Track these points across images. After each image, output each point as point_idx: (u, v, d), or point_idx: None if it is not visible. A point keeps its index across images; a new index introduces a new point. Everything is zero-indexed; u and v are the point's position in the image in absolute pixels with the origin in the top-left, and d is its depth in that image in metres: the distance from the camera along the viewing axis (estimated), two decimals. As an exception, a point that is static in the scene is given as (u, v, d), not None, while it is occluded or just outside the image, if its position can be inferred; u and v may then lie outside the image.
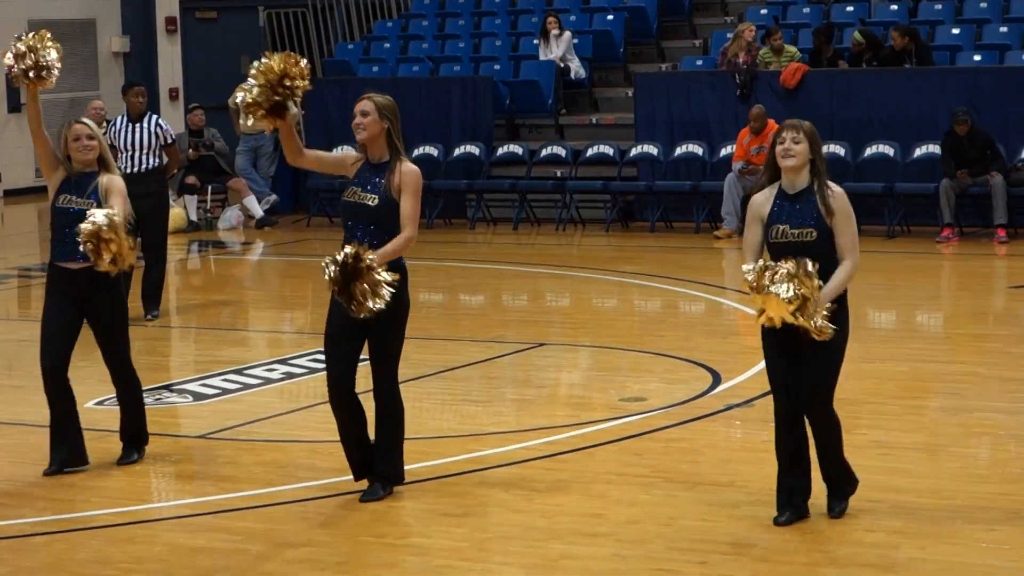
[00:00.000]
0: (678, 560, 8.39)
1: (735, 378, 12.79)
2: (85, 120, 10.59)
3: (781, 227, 8.80)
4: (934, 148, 21.10)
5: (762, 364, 9.83)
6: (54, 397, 10.34)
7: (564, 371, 14.04)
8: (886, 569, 8.21)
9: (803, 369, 8.81)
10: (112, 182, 10.39)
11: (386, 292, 9.05)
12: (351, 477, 9.79)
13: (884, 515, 9.07)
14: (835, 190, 8.98)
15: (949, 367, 13.48)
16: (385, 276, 9.09)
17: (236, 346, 15.34)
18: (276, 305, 18.76)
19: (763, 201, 9.00)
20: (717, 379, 12.78)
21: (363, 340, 9.62)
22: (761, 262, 8.67)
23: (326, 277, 9.13)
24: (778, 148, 8.88)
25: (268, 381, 13.27)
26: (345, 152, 9.74)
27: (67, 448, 10.35)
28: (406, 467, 9.88)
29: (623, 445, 10.93)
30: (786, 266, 8.51)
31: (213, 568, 8.48)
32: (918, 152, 21.31)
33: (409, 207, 9.49)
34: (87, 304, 10.32)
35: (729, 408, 11.89)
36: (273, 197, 24.75)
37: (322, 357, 13.84)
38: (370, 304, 9.04)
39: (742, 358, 13.57)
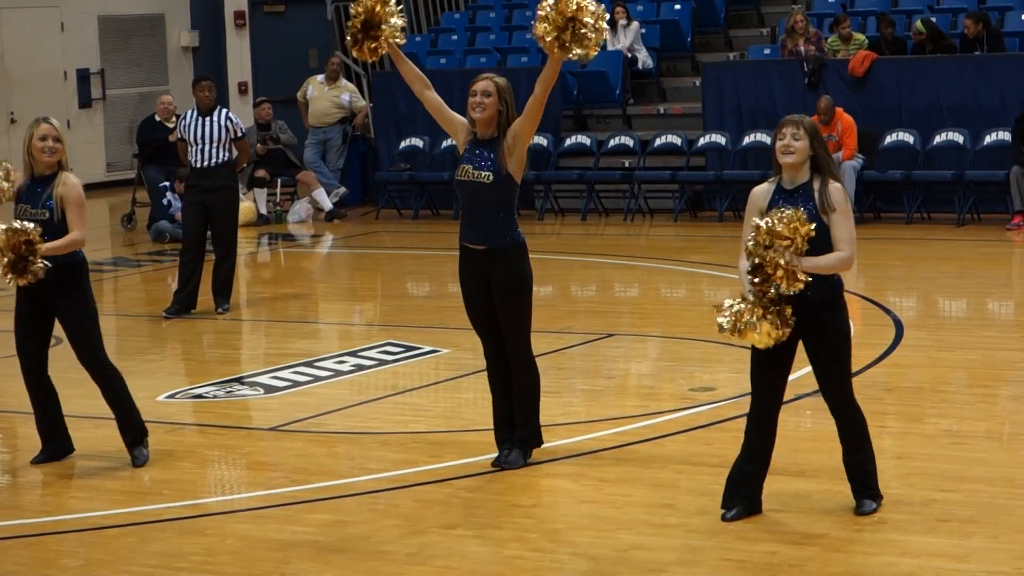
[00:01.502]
0: (748, 551, 8.37)
1: (804, 368, 12.71)
2: (53, 121, 10.41)
3: (760, 224, 8.72)
4: (1004, 135, 20.97)
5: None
6: (31, 393, 10.47)
7: (633, 361, 14.03)
8: (960, 559, 8.16)
9: (816, 377, 9.03)
10: (68, 190, 10.23)
11: None
12: (420, 469, 9.84)
13: (957, 505, 9.02)
14: (834, 186, 8.88)
15: (1021, 355, 13.39)
16: None
17: (306, 339, 15.36)
18: (345, 298, 18.80)
19: (763, 195, 8.94)
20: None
21: (495, 313, 9.94)
22: (734, 304, 8.64)
23: None
24: (778, 144, 8.79)
25: (338, 373, 13.29)
26: (459, 118, 9.86)
27: (52, 444, 10.49)
28: (482, 456, 9.97)
29: (692, 435, 10.91)
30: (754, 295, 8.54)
31: (284, 559, 8.50)
32: (988, 139, 21.17)
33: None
34: (52, 305, 10.31)
35: (798, 398, 11.83)
36: (342, 190, 24.80)
37: (392, 349, 13.98)
38: None
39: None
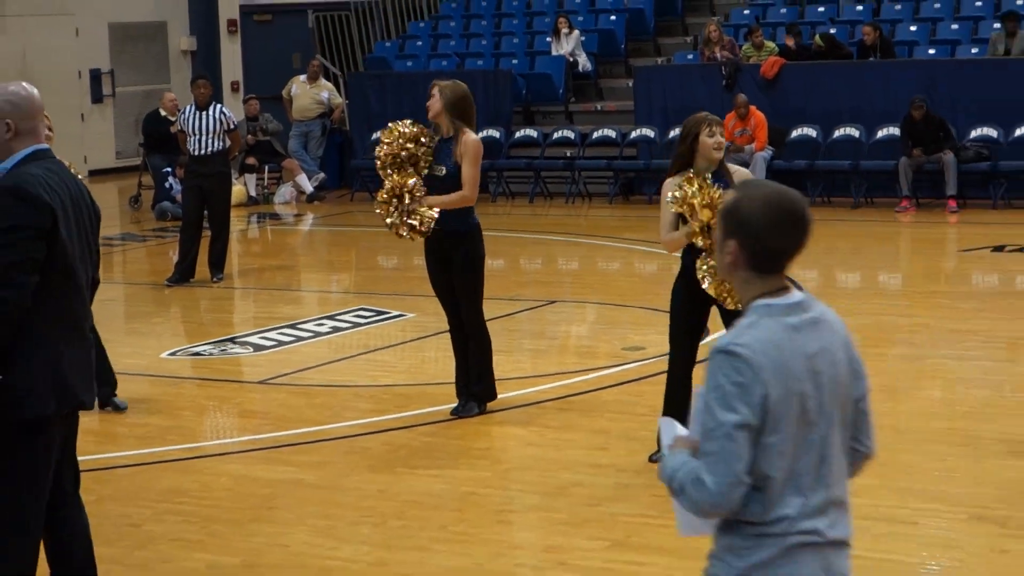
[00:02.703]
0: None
1: (720, 330, 12.80)
2: None
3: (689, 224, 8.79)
4: (894, 130, 21.07)
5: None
6: None
7: (573, 325, 14.07)
8: (852, 494, 8.21)
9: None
10: None
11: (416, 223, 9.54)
12: (389, 417, 9.90)
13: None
14: (738, 170, 9.02)
15: (906, 320, 13.50)
16: (428, 213, 9.54)
17: (290, 304, 15.37)
18: (324, 269, 18.82)
19: (674, 186, 8.96)
20: (705, 331, 12.77)
21: (451, 285, 9.99)
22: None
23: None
24: (711, 141, 8.82)
25: (317, 334, 13.29)
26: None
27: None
28: (443, 407, 10.03)
29: (624, 388, 10.96)
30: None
31: (271, 495, 8.54)
32: (880, 134, 21.26)
33: (468, 172, 9.79)
34: None
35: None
36: (321, 175, 24.84)
37: (364, 313, 13.99)
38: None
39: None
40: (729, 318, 8.85)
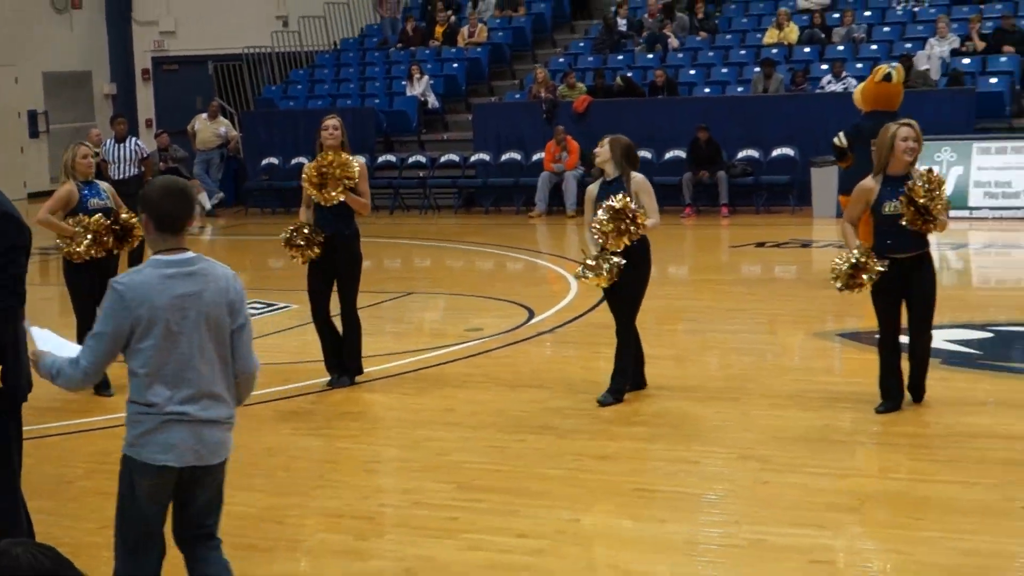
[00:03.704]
0: (505, 438, 8.44)
1: (543, 314, 12.87)
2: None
3: (604, 203, 8.92)
4: (679, 153, 21.36)
5: (563, 303, 9.77)
6: None
7: (426, 311, 14.04)
8: (648, 440, 8.30)
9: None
10: None
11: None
12: (276, 389, 9.79)
13: (649, 405, 9.18)
14: (636, 176, 9.12)
15: (691, 303, 13.63)
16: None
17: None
18: (224, 270, 18.60)
19: (593, 188, 9.26)
20: (531, 314, 12.83)
21: (333, 281, 10.00)
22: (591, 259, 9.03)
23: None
24: (598, 150, 9.22)
25: (218, 323, 13.13)
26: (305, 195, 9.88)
27: None
28: (320, 379, 9.94)
29: (467, 361, 10.95)
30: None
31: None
32: (667, 155, 21.53)
33: (362, 188, 9.89)
34: None
35: (540, 335, 11.95)
36: (221, 194, 24.74)
37: (257, 305, 13.81)
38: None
39: (548, 300, 13.65)
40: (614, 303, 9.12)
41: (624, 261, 8.94)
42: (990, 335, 11.05)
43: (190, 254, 4.88)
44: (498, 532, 6.66)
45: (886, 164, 8.38)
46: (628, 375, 9.30)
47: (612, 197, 8.89)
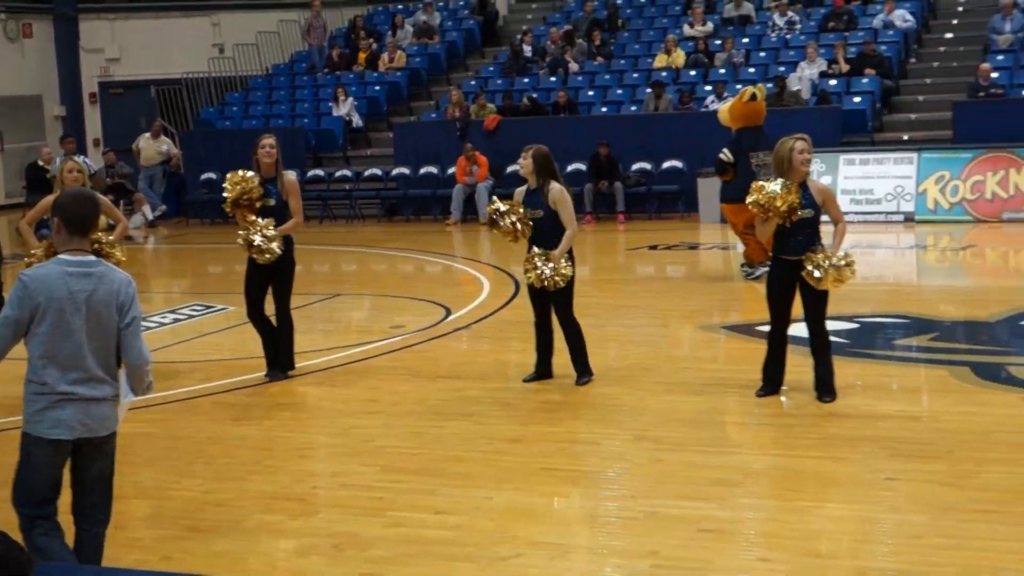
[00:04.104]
0: (425, 425, 8.42)
1: (459, 312, 12.86)
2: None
3: (527, 208, 9.01)
4: (580, 165, 21.42)
5: (476, 302, 9.72)
6: None
7: (353, 311, 13.96)
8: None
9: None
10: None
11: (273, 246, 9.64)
12: (216, 383, 9.69)
13: (554, 387, 9.20)
14: (554, 187, 9.16)
15: (593, 300, 13.60)
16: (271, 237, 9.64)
17: (142, 303, 14.86)
18: (167, 275, 18.33)
19: (519, 193, 9.36)
20: (448, 312, 12.82)
21: (268, 284, 9.92)
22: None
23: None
24: (521, 161, 9.34)
25: (162, 324, 12.96)
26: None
27: None
28: (257, 374, 9.83)
29: (390, 355, 10.91)
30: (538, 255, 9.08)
31: (127, 444, 8.22)
32: (569, 168, 21.51)
33: (295, 204, 9.81)
34: None
35: (456, 330, 11.95)
36: (163, 207, 24.46)
37: (197, 307, 13.66)
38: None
39: (463, 299, 13.64)
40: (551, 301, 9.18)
41: (569, 269, 9.06)
42: (856, 326, 11.22)
43: (92, 258, 5.17)
44: (418, 510, 6.64)
45: (788, 173, 8.46)
46: (584, 352, 9.41)
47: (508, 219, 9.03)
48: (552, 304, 9.32)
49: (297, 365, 10.16)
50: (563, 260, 9.07)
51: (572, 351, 9.40)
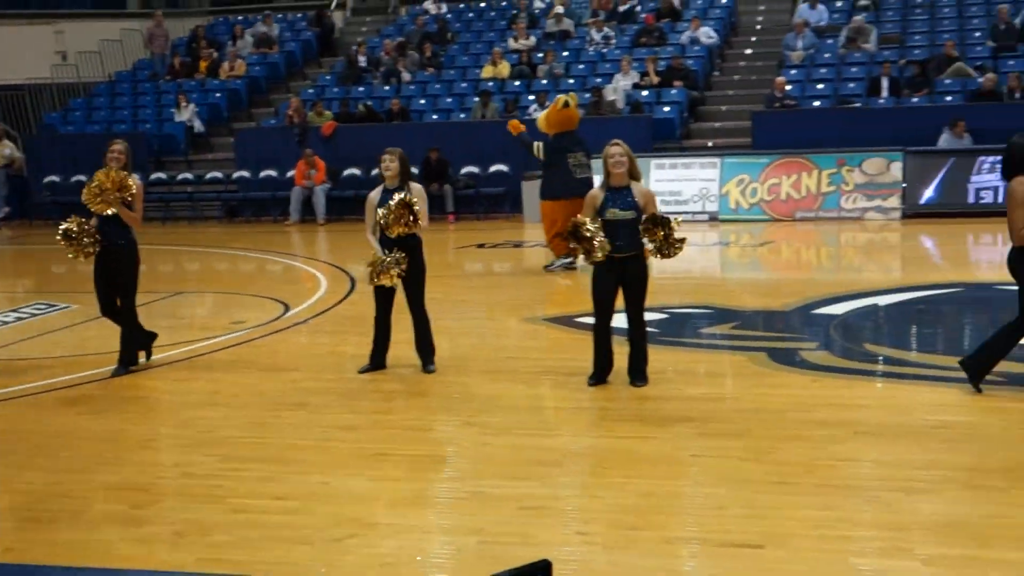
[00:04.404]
0: (264, 415, 8.29)
1: (297, 307, 12.71)
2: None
3: (382, 210, 8.89)
4: (413, 169, 21.19)
5: (314, 298, 9.59)
6: None
7: (196, 308, 13.65)
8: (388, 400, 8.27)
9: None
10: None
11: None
12: (63, 379, 9.38)
13: (388, 377, 9.14)
14: (414, 186, 9.12)
15: (467, 295, 13.62)
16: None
17: (-15, 302, 14.37)
18: (11, 275, 17.68)
19: (374, 196, 9.19)
20: (287, 308, 12.65)
21: (113, 283, 9.62)
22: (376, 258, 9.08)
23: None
24: (382, 166, 9.10)
25: (5, 323, 12.49)
26: None
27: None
28: (104, 369, 9.53)
29: (231, 350, 10.71)
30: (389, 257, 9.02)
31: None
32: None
33: (138, 207, 9.58)
34: None
35: (294, 325, 11.79)
36: (7, 209, 23.71)
37: (40, 305, 13.20)
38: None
39: (301, 295, 13.48)
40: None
41: (404, 254, 9.01)
42: (667, 316, 11.43)
43: None
44: (258, 496, 6.53)
45: (607, 177, 8.56)
46: (432, 343, 9.37)
47: (398, 196, 8.93)
48: (407, 296, 9.31)
49: (141, 360, 9.89)
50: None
51: (422, 340, 9.39)
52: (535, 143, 14.84)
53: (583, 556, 5.57)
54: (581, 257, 8.52)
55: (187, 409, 8.57)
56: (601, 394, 8.58)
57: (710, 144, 21.79)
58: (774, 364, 9.34)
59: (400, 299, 9.48)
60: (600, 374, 8.75)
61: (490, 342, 10.89)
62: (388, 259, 9.03)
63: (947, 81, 21.41)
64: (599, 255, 8.37)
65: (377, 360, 9.43)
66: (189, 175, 23.42)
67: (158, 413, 8.67)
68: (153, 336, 10.13)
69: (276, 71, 26.70)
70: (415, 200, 8.96)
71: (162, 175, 23.53)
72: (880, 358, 9.53)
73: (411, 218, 8.90)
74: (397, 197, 8.93)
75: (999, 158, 18.86)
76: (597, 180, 8.92)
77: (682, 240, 8.44)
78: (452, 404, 8.45)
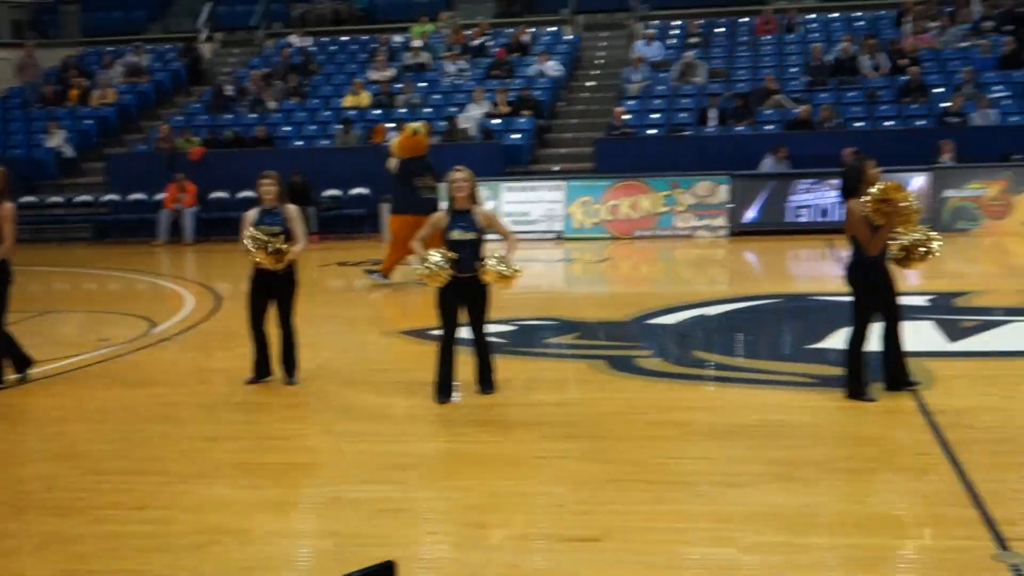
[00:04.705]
0: (128, 429, 8.02)
1: (163, 324, 12.39)
2: None
3: (258, 227, 8.75)
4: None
5: (180, 316, 9.28)
6: None
7: (64, 326, 13.16)
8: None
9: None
10: None
11: None
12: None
13: (250, 388, 8.96)
14: (290, 208, 9.01)
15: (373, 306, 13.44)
16: None
17: None
18: None
19: (252, 215, 9.00)
20: (154, 325, 12.32)
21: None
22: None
23: None
24: (261, 189, 8.94)
25: None
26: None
27: None
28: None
29: (99, 366, 10.37)
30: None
31: None
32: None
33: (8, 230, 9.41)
34: None
35: (160, 341, 11.48)
36: None
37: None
38: None
39: (168, 313, 13.14)
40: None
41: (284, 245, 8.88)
42: (515, 328, 11.47)
43: None
44: (120, 507, 6.31)
45: (451, 201, 8.52)
46: (296, 357, 9.23)
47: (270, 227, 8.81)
48: (278, 310, 9.16)
49: (7, 378, 9.51)
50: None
51: (288, 352, 9.22)
52: (391, 157, 14.97)
53: (433, 554, 5.54)
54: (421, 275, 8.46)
55: (54, 424, 8.26)
56: (452, 402, 8.54)
57: (556, 168, 22.02)
58: (613, 371, 9.45)
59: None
60: (445, 390, 8.60)
61: (349, 355, 10.76)
62: (268, 241, 8.87)
63: (767, 111, 22.04)
64: (437, 283, 8.34)
65: (263, 369, 9.27)
66: (59, 198, 22.72)
67: (25, 428, 8.33)
68: (29, 362, 9.76)
69: (146, 99, 26.08)
70: (282, 228, 8.89)
71: (32, 198, 22.76)
72: (709, 364, 9.72)
73: (281, 248, 8.89)
74: (272, 246, 8.78)
75: (815, 180, 19.54)
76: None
77: (512, 276, 8.39)
78: (312, 414, 8.32)
